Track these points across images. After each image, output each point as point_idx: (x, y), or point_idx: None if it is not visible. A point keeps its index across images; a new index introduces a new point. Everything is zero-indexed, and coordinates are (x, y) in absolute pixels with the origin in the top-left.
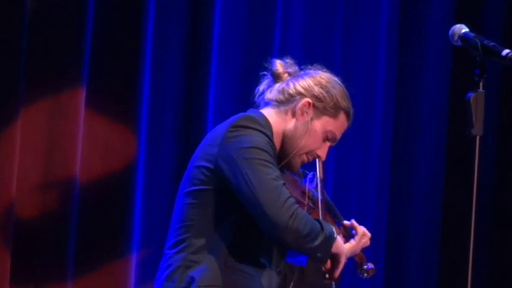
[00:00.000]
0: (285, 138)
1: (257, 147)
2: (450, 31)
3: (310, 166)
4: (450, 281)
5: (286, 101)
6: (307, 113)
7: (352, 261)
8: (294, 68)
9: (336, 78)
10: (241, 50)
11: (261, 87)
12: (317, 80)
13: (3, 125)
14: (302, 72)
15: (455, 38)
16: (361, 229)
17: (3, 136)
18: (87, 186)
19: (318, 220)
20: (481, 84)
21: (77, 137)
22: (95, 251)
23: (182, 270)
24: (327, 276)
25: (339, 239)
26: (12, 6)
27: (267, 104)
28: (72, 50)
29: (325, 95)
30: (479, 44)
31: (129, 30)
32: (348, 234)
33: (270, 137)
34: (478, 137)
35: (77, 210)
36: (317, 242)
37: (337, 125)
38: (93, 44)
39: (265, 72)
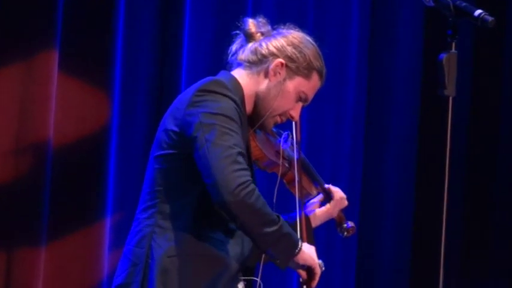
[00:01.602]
0: (258, 99)
1: (221, 114)
2: None
3: (286, 126)
4: (424, 242)
5: (258, 62)
6: (279, 73)
7: (332, 221)
8: (266, 28)
9: (308, 38)
10: (215, 11)
11: (234, 47)
12: (290, 39)
13: None
14: (275, 31)
15: None
16: (338, 193)
17: None
18: (60, 150)
19: (278, 215)
20: (453, 44)
21: (50, 101)
22: (69, 214)
23: (151, 236)
24: (304, 287)
25: (308, 251)
26: None
27: (239, 64)
28: (44, 12)
29: (298, 55)
30: (451, 4)
31: None
32: (328, 196)
33: (237, 102)
34: (450, 98)
35: (50, 174)
36: (268, 229)
37: (310, 85)
38: (66, 5)
39: (237, 31)
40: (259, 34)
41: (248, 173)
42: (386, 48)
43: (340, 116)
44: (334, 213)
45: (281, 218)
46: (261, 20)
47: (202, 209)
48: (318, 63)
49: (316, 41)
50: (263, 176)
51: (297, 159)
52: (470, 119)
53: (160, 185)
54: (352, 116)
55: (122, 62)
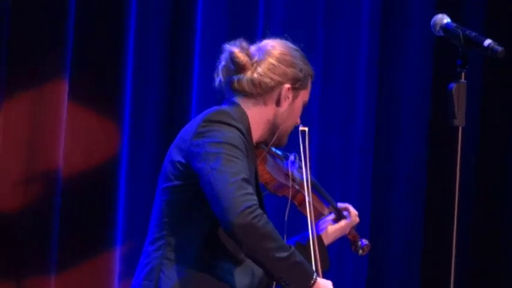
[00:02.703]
0: (271, 125)
1: (226, 142)
2: (432, 21)
3: (294, 148)
4: (434, 268)
5: (264, 93)
6: (289, 97)
7: (347, 240)
8: (250, 50)
9: (290, 45)
10: (224, 40)
11: (222, 77)
12: (282, 58)
13: None
14: (258, 51)
15: (437, 28)
16: (350, 210)
17: None
18: (70, 179)
19: (291, 246)
20: (463, 74)
21: (59, 130)
22: (78, 244)
23: (160, 268)
24: None
25: (325, 283)
26: None
27: (236, 93)
28: (54, 42)
29: (297, 72)
30: (461, 34)
31: (112, 21)
32: (339, 215)
33: (243, 131)
34: (460, 128)
35: (60, 203)
36: (278, 255)
37: (309, 91)
38: (76, 35)
39: (223, 62)
40: (249, 63)
41: (255, 197)
42: (395, 77)
43: (348, 145)
44: (347, 230)
45: (293, 247)
46: (242, 43)
47: (211, 240)
48: (309, 69)
49: (287, 38)
50: (273, 200)
51: (306, 180)
52: (480, 148)
53: (167, 216)
54: (360, 145)
55: (131, 91)
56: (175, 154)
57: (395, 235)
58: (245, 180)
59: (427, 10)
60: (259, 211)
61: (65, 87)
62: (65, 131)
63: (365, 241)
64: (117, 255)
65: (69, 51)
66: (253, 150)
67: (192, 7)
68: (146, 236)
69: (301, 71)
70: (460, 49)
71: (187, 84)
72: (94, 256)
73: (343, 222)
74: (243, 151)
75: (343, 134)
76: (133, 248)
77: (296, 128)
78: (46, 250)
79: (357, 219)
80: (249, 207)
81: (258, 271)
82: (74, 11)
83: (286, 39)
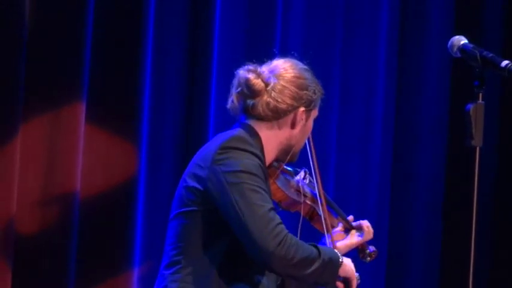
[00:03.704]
0: (285, 146)
1: (246, 171)
2: (449, 43)
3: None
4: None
5: (279, 117)
6: (303, 119)
7: (354, 248)
8: (264, 75)
9: (301, 65)
10: (242, 61)
11: (235, 101)
12: (295, 82)
13: (4, 140)
14: (268, 72)
15: (455, 49)
16: (366, 225)
17: (4, 151)
18: (88, 201)
19: (315, 246)
20: (480, 95)
21: (77, 151)
22: (96, 265)
23: None
24: None
25: (348, 263)
26: (11, 22)
27: (251, 117)
28: (71, 65)
29: (311, 94)
30: (478, 55)
31: (128, 43)
32: (349, 226)
33: (260, 158)
34: (477, 148)
35: (77, 225)
36: (312, 269)
37: (318, 108)
38: (93, 57)
39: (238, 88)
40: (265, 89)
41: (283, 226)
42: (413, 98)
43: (367, 164)
44: (357, 245)
45: (318, 245)
46: (253, 68)
47: (227, 263)
48: (320, 88)
49: (341, 92)
50: (285, 215)
51: (317, 195)
52: (498, 169)
53: (184, 240)
54: (378, 166)
55: (148, 111)
56: (191, 180)
57: (414, 252)
58: (272, 210)
59: (444, 32)
60: (288, 238)
61: (82, 109)
62: (82, 153)
63: (372, 247)
64: (135, 276)
65: (86, 73)
66: (267, 173)
67: (209, 26)
68: (161, 259)
69: (314, 93)
70: (477, 70)
71: (204, 105)
72: (112, 277)
73: (355, 239)
74: (262, 178)
75: (361, 156)
76: (151, 269)
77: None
78: (64, 271)
79: (371, 236)
80: (281, 241)
81: None
82: (91, 33)
83: (293, 56)
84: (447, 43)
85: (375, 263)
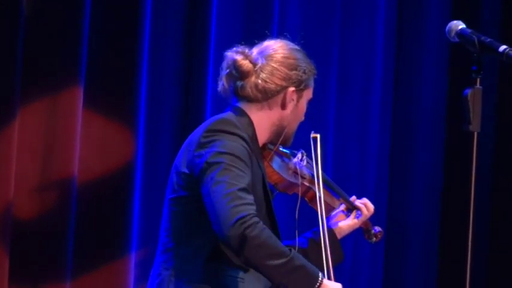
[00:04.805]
0: (277, 128)
1: (229, 153)
2: (447, 27)
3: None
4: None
5: (268, 97)
6: (293, 99)
7: (359, 229)
8: (252, 56)
9: (291, 46)
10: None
11: (225, 83)
12: (284, 61)
13: (1, 126)
14: (257, 53)
15: (452, 34)
16: (370, 205)
17: (1, 137)
18: (85, 186)
19: (291, 249)
20: (478, 80)
21: (74, 137)
22: (94, 251)
23: (170, 279)
24: None
25: (332, 285)
26: (8, 6)
27: (240, 99)
28: (69, 49)
29: (301, 74)
30: (476, 40)
31: (126, 28)
32: (351, 207)
33: (246, 139)
34: (475, 133)
35: (75, 210)
36: (274, 262)
37: (312, 88)
38: (90, 42)
39: (227, 70)
40: (253, 69)
41: (251, 207)
42: (411, 84)
43: (364, 152)
44: (360, 224)
45: (294, 251)
46: (242, 50)
47: (219, 249)
48: (312, 67)
49: (339, 77)
50: (284, 196)
51: (316, 175)
52: (495, 154)
53: (175, 227)
54: (376, 153)
55: (146, 97)
56: (180, 165)
57: (412, 241)
58: (242, 190)
59: (442, 17)
60: (253, 220)
61: (79, 95)
62: (80, 138)
63: (378, 228)
64: (132, 261)
65: (84, 58)
66: (260, 154)
67: (206, 15)
68: (157, 245)
69: (304, 72)
70: (475, 55)
71: (201, 90)
72: (109, 262)
73: (357, 219)
74: (246, 161)
75: (359, 143)
76: (149, 254)
77: (307, 134)
78: (62, 257)
79: (372, 212)
80: (242, 218)
81: None
82: (89, 18)
83: (285, 37)
84: (445, 28)
85: (373, 247)
